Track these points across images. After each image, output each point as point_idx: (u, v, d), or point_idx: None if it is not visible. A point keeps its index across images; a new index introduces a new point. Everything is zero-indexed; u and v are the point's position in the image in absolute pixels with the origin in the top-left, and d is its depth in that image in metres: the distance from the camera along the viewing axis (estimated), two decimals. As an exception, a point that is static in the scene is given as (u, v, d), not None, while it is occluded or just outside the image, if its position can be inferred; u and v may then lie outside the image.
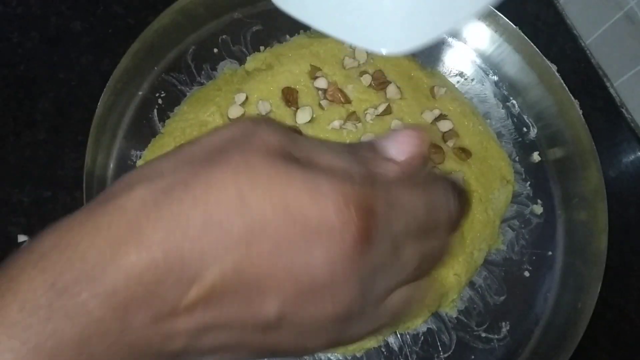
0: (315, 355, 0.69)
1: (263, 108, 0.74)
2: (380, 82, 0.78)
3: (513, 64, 0.86)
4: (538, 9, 0.97)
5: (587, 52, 0.96)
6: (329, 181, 0.27)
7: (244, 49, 0.82)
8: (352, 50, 0.80)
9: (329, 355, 0.70)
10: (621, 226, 0.81)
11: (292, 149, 0.29)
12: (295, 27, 0.84)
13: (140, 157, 0.74)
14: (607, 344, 0.78)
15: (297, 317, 0.28)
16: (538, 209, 0.80)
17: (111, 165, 0.73)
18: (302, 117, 0.74)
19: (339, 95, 0.76)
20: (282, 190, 0.27)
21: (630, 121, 0.92)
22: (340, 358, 0.70)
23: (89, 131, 0.69)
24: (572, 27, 0.97)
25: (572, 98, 0.81)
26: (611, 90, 0.93)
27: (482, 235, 0.75)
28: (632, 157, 0.90)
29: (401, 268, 0.31)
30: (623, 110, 0.92)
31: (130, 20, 0.83)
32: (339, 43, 0.81)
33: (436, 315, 0.73)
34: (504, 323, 0.75)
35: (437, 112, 0.78)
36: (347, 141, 0.74)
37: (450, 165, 0.76)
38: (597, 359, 0.78)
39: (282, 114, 0.75)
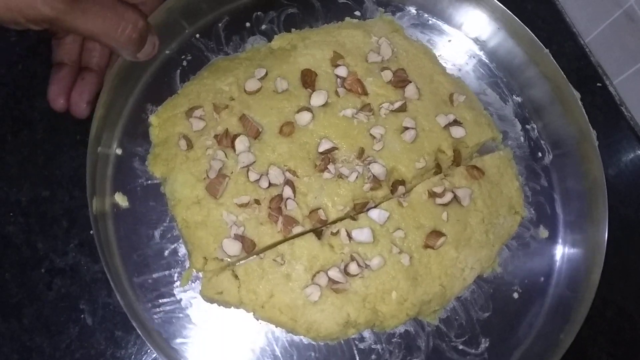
0: (287, 334, 0.66)
1: (280, 86, 0.71)
2: (400, 80, 0.74)
3: (539, 89, 0.81)
4: (537, 7, 0.93)
5: (587, 50, 0.92)
6: None
7: (276, 28, 0.79)
8: (378, 46, 0.77)
9: (302, 337, 0.66)
10: (621, 225, 0.77)
11: None
12: (330, 16, 0.82)
13: (153, 112, 0.72)
14: (606, 342, 0.74)
15: None
16: (544, 233, 0.76)
17: (124, 114, 0.71)
18: (317, 99, 0.71)
19: (357, 85, 0.73)
20: None
21: (630, 119, 0.88)
22: (313, 343, 0.66)
23: (87, 130, 0.65)
24: (572, 25, 0.93)
25: (592, 130, 0.76)
26: (611, 89, 0.89)
27: (477, 255, 0.71)
28: (631, 155, 0.85)
29: None
30: (622, 109, 0.88)
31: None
32: (367, 37, 0.78)
33: (416, 319, 0.69)
34: (483, 339, 0.70)
35: (451, 117, 0.74)
36: (356, 131, 0.71)
37: (460, 181, 0.72)
38: (596, 357, 0.73)
39: (298, 94, 0.72)
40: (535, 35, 0.78)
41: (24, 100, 0.73)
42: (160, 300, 0.65)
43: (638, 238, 0.81)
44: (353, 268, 0.65)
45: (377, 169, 0.69)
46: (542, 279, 0.74)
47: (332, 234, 0.66)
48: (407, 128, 0.72)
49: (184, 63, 0.75)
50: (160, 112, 0.72)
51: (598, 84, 0.89)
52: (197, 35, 0.77)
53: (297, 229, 0.65)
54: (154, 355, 0.65)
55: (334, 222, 0.67)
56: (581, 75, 0.88)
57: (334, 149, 0.69)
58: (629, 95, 0.88)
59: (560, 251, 0.76)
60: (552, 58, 0.78)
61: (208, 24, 0.78)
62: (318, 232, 0.67)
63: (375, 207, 0.69)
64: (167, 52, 0.75)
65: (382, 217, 0.67)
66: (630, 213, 0.81)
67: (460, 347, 0.69)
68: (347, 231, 0.66)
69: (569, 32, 0.92)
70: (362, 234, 0.66)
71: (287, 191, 0.66)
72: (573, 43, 0.92)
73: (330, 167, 0.68)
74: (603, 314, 0.74)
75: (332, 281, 0.64)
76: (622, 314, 0.76)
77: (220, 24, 0.78)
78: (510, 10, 0.79)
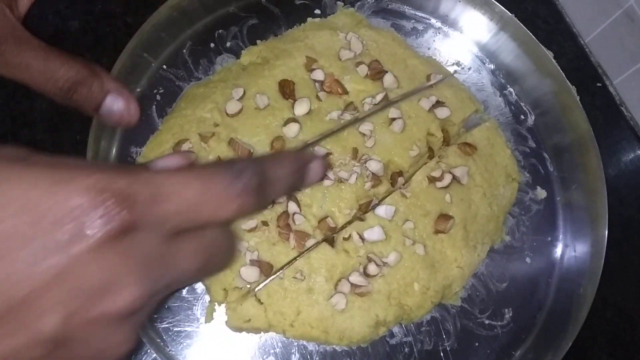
0: (319, 346, 0.66)
1: (261, 102, 0.70)
2: (376, 72, 0.74)
3: (509, 52, 0.82)
4: (537, 7, 0.92)
5: (587, 50, 0.91)
6: (80, 171, 0.24)
7: (241, 43, 0.78)
8: (348, 41, 0.76)
9: (334, 346, 0.66)
10: (621, 224, 0.77)
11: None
12: (291, 19, 0.80)
13: (139, 154, 0.70)
14: (606, 342, 0.75)
15: (83, 322, 0.24)
16: (542, 193, 0.77)
17: (110, 162, 0.69)
18: (300, 108, 0.70)
19: (336, 86, 0.72)
20: (21, 190, 0.24)
21: (630, 119, 0.87)
22: (346, 349, 0.66)
23: (87, 130, 0.65)
24: (572, 25, 0.92)
25: (569, 84, 0.77)
26: (610, 89, 0.88)
27: (486, 229, 0.72)
28: (631, 155, 0.85)
29: (177, 263, 0.28)
30: (623, 109, 0.88)
31: (128, 19, 0.79)
32: (334, 35, 0.77)
33: (440, 304, 0.70)
34: (506, 309, 0.71)
35: (434, 99, 0.74)
36: (345, 132, 0.70)
37: (455, 160, 0.73)
38: (596, 357, 0.74)
39: (281, 106, 0.71)
40: (535, 36, 0.78)
41: (24, 100, 0.73)
42: (188, 341, 0.64)
43: (638, 238, 0.80)
44: (372, 269, 0.65)
45: (374, 165, 0.69)
46: (549, 238, 0.75)
47: (345, 239, 0.66)
48: (394, 119, 0.72)
49: (158, 97, 0.73)
50: (145, 152, 0.70)
51: (598, 84, 0.88)
52: (164, 67, 0.75)
53: (310, 242, 0.65)
54: (154, 355, 0.64)
55: (344, 227, 0.67)
56: (581, 76, 0.86)
57: (328, 154, 0.68)
58: (629, 95, 0.87)
59: (561, 207, 0.77)
60: (517, 20, 0.78)
61: (172, 53, 0.76)
62: (330, 241, 0.66)
63: (379, 203, 0.69)
64: (138, 90, 0.73)
65: (389, 212, 0.67)
66: (630, 213, 0.81)
67: (487, 321, 0.70)
68: (358, 234, 0.66)
69: (569, 32, 0.91)
70: (373, 233, 0.66)
71: (292, 206, 0.66)
72: (573, 43, 0.91)
73: (329, 173, 0.68)
74: (603, 314, 0.74)
75: (354, 286, 0.64)
76: (622, 314, 0.76)
77: (184, 50, 0.76)
78: (509, 11, 0.79)
